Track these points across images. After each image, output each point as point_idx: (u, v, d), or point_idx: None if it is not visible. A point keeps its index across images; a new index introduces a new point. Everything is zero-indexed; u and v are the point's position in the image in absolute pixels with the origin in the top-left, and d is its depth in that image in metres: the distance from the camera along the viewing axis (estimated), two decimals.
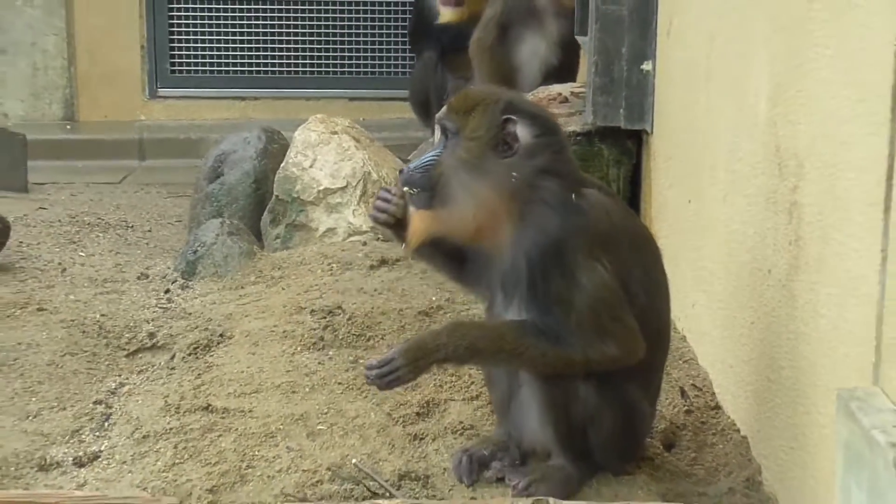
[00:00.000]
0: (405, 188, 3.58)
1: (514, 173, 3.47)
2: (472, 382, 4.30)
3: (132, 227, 7.16)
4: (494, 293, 3.65)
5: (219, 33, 10.49)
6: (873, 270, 2.84)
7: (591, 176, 3.99)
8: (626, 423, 3.64)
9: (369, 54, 10.52)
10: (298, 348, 4.67)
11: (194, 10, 10.45)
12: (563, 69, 7.66)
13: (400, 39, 10.29)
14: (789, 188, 3.49)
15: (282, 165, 6.27)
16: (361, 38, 10.50)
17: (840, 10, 3.10)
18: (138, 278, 5.91)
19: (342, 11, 10.46)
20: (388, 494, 3.58)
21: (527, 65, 7.64)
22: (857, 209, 2.97)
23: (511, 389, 3.70)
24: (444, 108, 3.70)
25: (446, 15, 8.64)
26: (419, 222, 3.59)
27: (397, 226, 3.68)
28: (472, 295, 4.22)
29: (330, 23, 10.48)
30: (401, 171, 3.69)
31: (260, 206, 6.37)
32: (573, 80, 7.38)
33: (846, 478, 2.75)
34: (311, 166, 6.17)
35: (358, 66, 10.53)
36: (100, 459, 3.92)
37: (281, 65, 10.54)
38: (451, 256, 3.74)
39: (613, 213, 3.60)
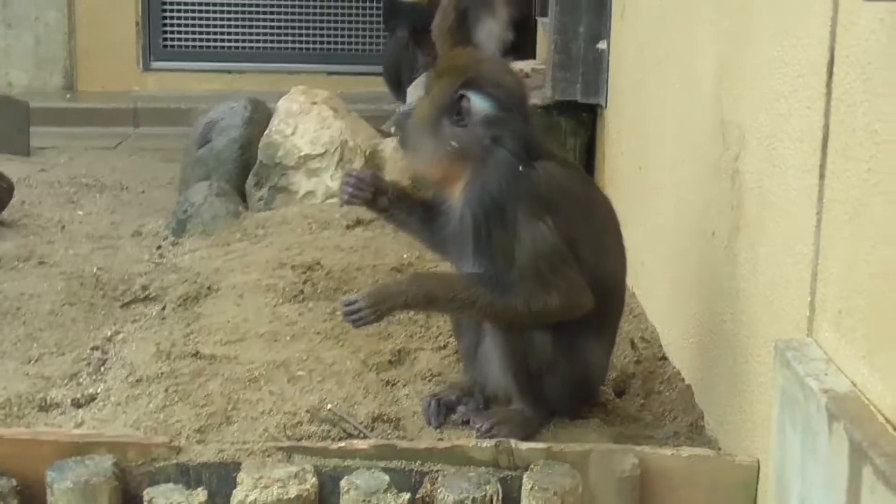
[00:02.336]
0: (393, 128, 3.67)
1: (454, 142, 3.52)
2: (440, 333, 4.30)
3: (127, 188, 7.12)
4: (453, 251, 3.66)
5: (208, 11, 10.44)
6: (808, 232, 2.85)
7: (556, 149, 3.99)
8: (579, 372, 3.65)
9: (347, 32, 10.50)
10: (280, 300, 4.66)
11: None
12: (518, 46, 7.68)
13: (375, 19, 10.26)
14: (732, 157, 3.49)
15: (266, 133, 6.24)
16: (339, 17, 10.48)
17: None
18: (132, 235, 5.89)
19: None
20: (362, 435, 3.58)
21: (484, 44, 7.62)
22: (793, 176, 2.97)
23: (477, 339, 3.70)
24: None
25: None
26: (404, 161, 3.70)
27: (370, 203, 3.69)
28: (442, 258, 4.20)
29: (311, 1, 10.44)
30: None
31: (245, 170, 6.33)
32: (527, 56, 7.40)
33: (782, 420, 2.76)
34: (292, 134, 6.14)
35: (336, 42, 10.51)
36: (96, 401, 3.91)
37: (265, 40, 10.51)
38: (424, 222, 3.74)
39: (563, 182, 3.59)
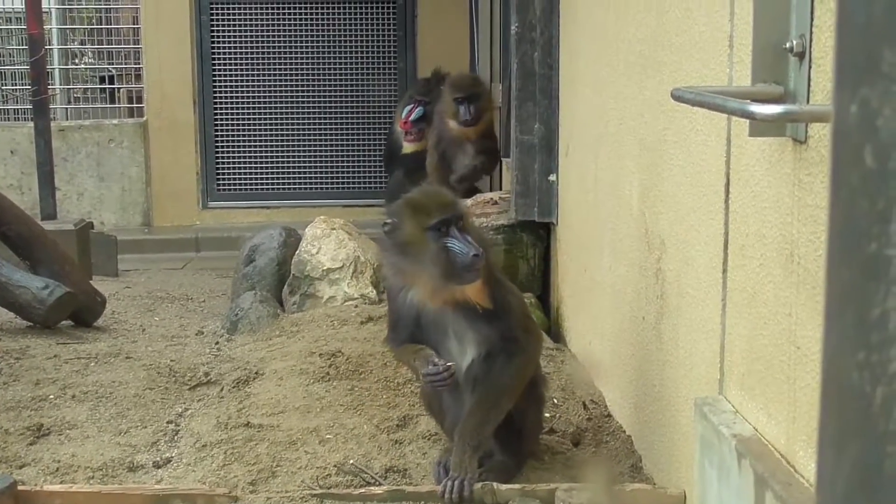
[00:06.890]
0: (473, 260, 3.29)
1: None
2: None
3: (191, 298, 7.09)
4: (449, 342, 3.49)
5: (250, 163, 10.49)
6: (716, 314, 2.84)
7: None
8: (535, 426, 3.69)
9: (356, 174, 10.56)
10: (311, 381, 4.62)
11: (233, 148, 10.46)
12: (486, 168, 7.75)
13: (377, 164, 10.33)
14: (655, 259, 3.49)
15: (296, 252, 6.24)
16: (351, 163, 10.55)
17: (686, 135, 3.12)
18: (196, 334, 5.85)
19: (337, 146, 10.51)
20: (378, 483, 3.54)
21: (460, 171, 7.65)
22: (703, 272, 2.97)
23: (461, 415, 3.57)
24: (459, 205, 3.43)
25: (409, 147, 8.75)
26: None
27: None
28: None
29: (328, 153, 10.53)
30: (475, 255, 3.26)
31: (282, 281, 6.32)
32: (487, 175, 7.60)
33: (702, 460, 2.74)
34: (317, 253, 6.14)
35: (349, 182, 10.57)
36: (172, 462, 3.86)
37: (294, 182, 10.55)
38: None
39: None
